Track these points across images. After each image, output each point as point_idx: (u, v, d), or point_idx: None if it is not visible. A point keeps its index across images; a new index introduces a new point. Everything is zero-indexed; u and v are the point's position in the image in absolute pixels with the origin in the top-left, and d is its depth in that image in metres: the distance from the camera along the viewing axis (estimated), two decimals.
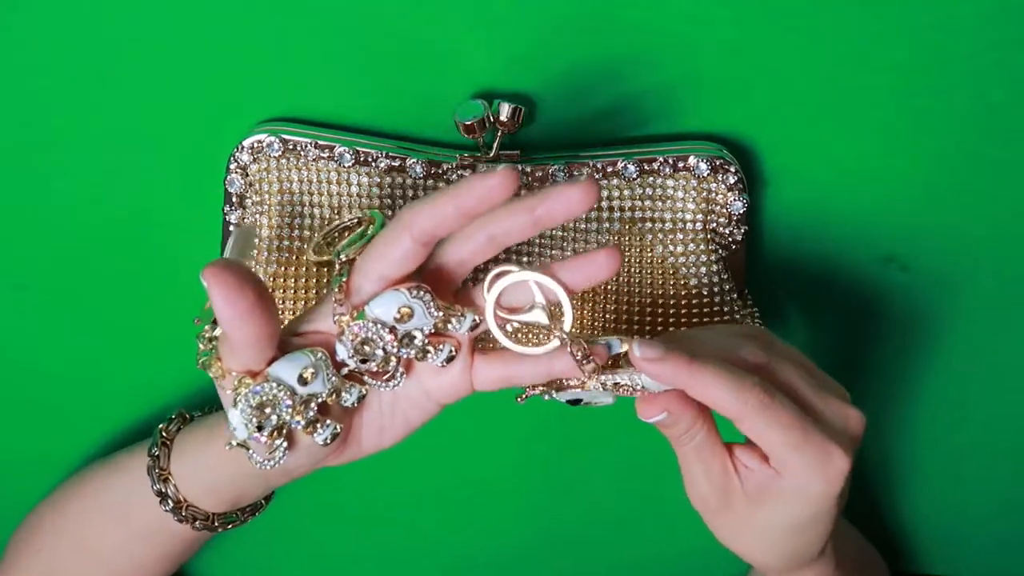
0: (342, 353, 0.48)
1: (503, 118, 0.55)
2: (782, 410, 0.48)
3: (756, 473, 0.51)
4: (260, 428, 0.47)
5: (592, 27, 0.56)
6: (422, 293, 0.47)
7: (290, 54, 0.56)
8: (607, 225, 0.59)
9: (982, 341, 0.68)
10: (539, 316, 0.49)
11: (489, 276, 0.49)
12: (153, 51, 0.56)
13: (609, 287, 0.59)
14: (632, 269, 0.59)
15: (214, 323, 0.49)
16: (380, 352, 0.48)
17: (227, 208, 0.58)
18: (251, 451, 0.49)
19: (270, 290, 0.56)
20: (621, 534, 0.75)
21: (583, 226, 0.58)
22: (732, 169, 0.58)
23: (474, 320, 0.49)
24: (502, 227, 0.47)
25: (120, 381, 0.66)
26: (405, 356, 0.49)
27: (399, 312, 0.47)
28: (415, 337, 0.48)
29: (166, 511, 0.57)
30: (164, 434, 0.58)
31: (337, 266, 0.48)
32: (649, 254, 0.59)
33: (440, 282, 0.49)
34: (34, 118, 0.57)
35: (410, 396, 0.51)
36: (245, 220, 0.58)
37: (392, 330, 0.48)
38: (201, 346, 0.49)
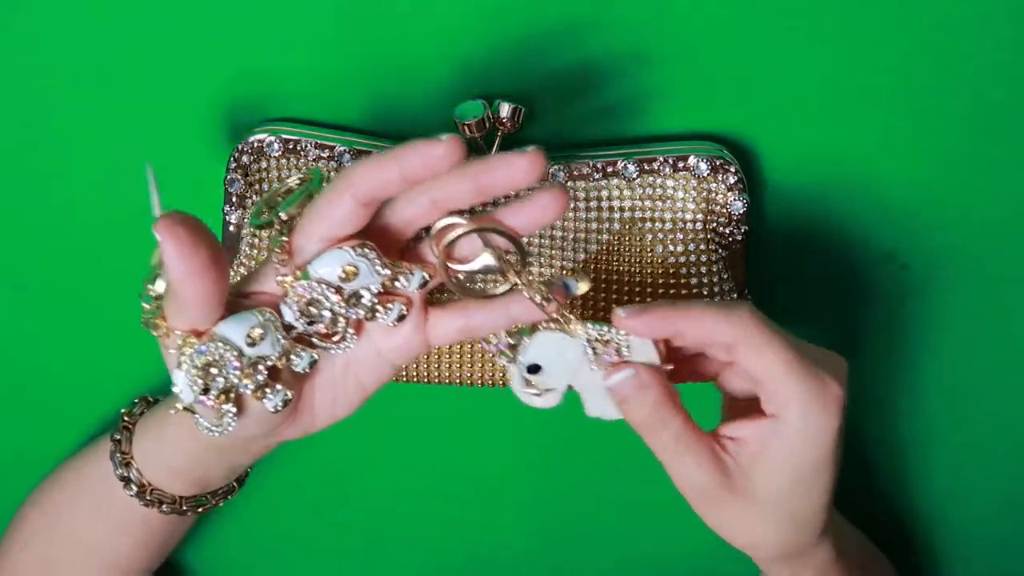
0: (288, 315, 0.46)
1: (503, 118, 0.55)
2: (776, 332, 0.48)
3: (749, 440, 0.50)
4: (206, 391, 0.45)
5: (592, 27, 0.56)
6: (367, 251, 0.46)
7: (290, 54, 0.56)
8: (607, 225, 0.59)
9: (982, 340, 0.68)
10: (487, 261, 0.47)
11: (434, 229, 0.47)
12: (153, 51, 0.56)
13: (610, 287, 0.59)
14: (632, 269, 0.59)
15: (156, 279, 0.47)
16: (327, 313, 0.47)
17: (227, 208, 0.58)
18: (199, 416, 0.47)
19: None
20: (623, 533, 0.74)
21: (583, 226, 0.58)
22: (732, 169, 0.58)
23: (423, 277, 0.48)
24: (444, 192, 0.46)
25: (120, 381, 0.66)
26: (354, 317, 0.47)
27: (343, 271, 0.46)
28: (363, 296, 0.47)
29: (131, 496, 0.56)
30: (126, 419, 0.58)
31: (276, 225, 0.47)
32: (649, 254, 0.59)
33: (385, 241, 0.47)
34: (34, 118, 0.57)
35: (362, 359, 0.50)
36: (246, 220, 0.58)
37: (338, 290, 0.46)
38: (145, 305, 0.47)
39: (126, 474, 0.56)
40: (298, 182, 0.51)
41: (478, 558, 0.75)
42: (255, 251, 0.58)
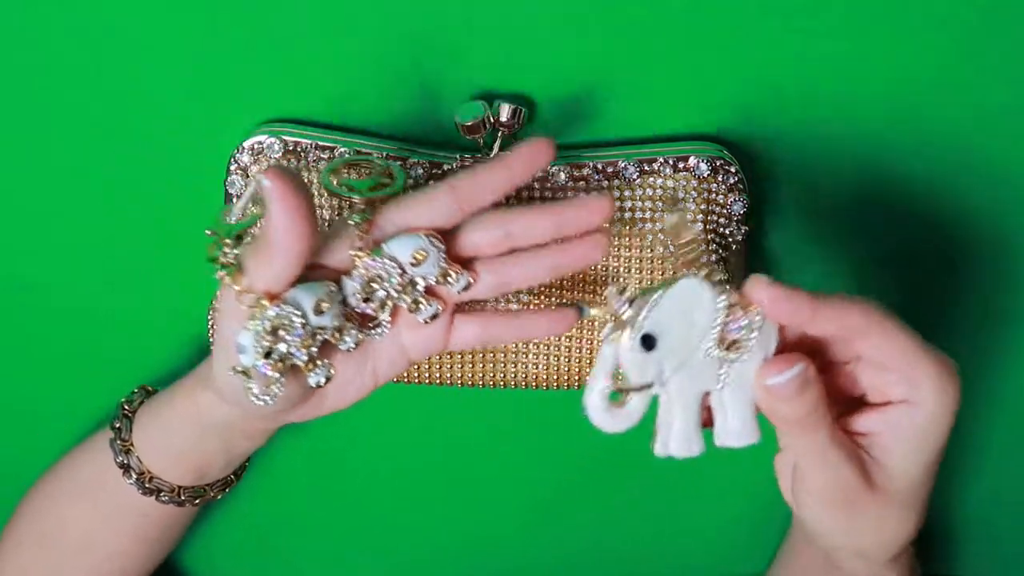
0: (349, 289, 0.49)
1: (503, 119, 0.55)
2: (898, 320, 0.47)
3: (879, 434, 0.48)
4: (268, 355, 0.46)
5: (592, 27, 0.56)
6: (437, 242, 0.49)
7: (291, 55, 0.56)
8: (607, 226, 0.58)
9: (982, 341, 0.68)
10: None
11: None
12: (154, 52, 0.56)
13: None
14: (632, 270, 0.59)
15: (238, 238, 0.48)
16: (382, 293, 0.49)
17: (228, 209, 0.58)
18: (250, 382, 0.47)
19: None
20: (623, 534, 0.74)
21: None
22: (732, 169, 0.58)
23: (468, 281, 0.50)
24: (522, 226, 0.49)
25: (121, 381, 0.65)
26: (400, 304, 0.49)
27: (415, 255, 0.48)
28: (416, 285, 0.49)
29: (130, 483, 0.56)
30: (126, 407, 0.58)
31: (359, 204, 0.49)
32: (649, 254, 0.59)
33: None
34: (35, 119, 0.57)
35: (384, 349, 0.51)
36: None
37: (402, 272, 0.49)
38: (222, 259, 0.47)
39: (126, 461, 0.57)
40: (355, 157, 0.54)
41: (478, 558, 0.74)
42: None
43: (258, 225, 0.49)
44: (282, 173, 0.44)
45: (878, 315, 0.47)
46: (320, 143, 0.57)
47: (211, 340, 0.60)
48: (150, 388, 0.60)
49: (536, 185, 0.58)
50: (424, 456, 0.70)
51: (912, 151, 0.61)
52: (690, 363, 0.41)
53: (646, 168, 0.58)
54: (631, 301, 0.41)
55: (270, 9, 0.55)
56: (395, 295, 0.49)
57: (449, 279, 0.49)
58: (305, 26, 0.55)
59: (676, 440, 0.43)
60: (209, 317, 0.59)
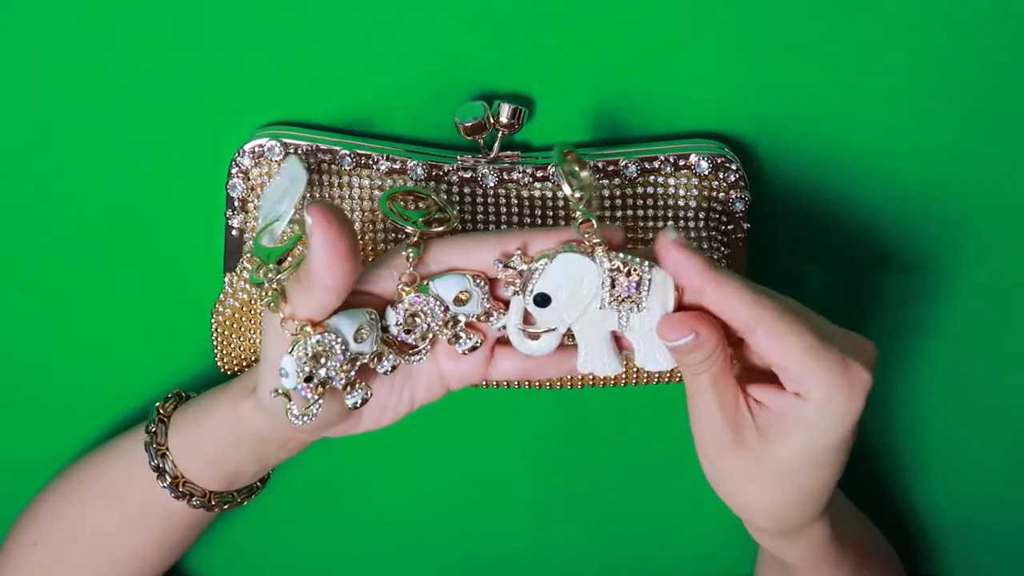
0: (391, 319, 0.50)
1: (503, 119, 0.55)
2: (799, 318, 0.47)
3: (770, 408, 0.49)
4: (309, 379, 0.48)
5: (592, 27, 0.56)
6: (482, 283, 0.50)
7: (291, 58, 0.56)
8: (608, 224, 0.58)
9: (982, 341, 0.68)
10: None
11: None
12: (155, 54, 0.56)
13: None
14: None
15: (280, 263, 0.49)
16: (425, 326, 0.50)
17: (229, 212, 0.58)
18: (291, 403, 0.49)
19: None
20: (623, 535, 0.74)
21: None
22: (733, 167, 0.58)
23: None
24: None
25: (121, 382, 0.66)
26: (441, 336, 0.51)
27: (459, 296, 0.50)
28: (458, 322, 0.51)
29: (163, 487, 0.57)
30: (161, 411, 0.59)
31: (412, 237, 0.50)
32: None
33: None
34: (35, 121, 0.57)
35: (423, 376, 0.53)
36: (248, 224, 0.58)
37: (445, 309, 0.50)
38: (267, 286, 0.48)
39: (162, 465, 0.57)
40: (411, 193, 0.54)
41: (478, 558, 0.74)
42: None
43: (299, 249, 0.51)
44: (325, 210, 0.45)
45: (772, 315, 0.47)
46: (321, 145, 0.57)
47: (214, 344, 0.60)
48: (183, 393, 0.61)
49: (536, 185, 0.58)
50: (424, 456, 0.70)
51: (912, 150, 0.61)
52: (589, 312, 0.50)
53: (647, 167, 0.58)
54: (524, 269, 0.49)
55: (270, 12, 0.55)
56: (436, 328, 0.50)
57: (491, 319, 0.51)
58: (305, 28, 0.56)
59: (591, 363, 0.51)
60: (211, 319, 0.60)
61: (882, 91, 0.59)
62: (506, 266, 0.49)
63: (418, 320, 0.50)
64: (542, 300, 0.49)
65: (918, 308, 0.66)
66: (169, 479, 0.57)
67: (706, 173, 0.58)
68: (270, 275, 0.49)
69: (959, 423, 0.71)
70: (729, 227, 0.59)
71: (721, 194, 0.58)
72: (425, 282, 0.50)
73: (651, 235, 0.58)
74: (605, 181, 0.58)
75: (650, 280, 0.49)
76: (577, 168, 0.50)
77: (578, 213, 0.49)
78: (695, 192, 0.58)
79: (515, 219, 0.58)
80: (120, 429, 0.66)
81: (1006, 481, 0.73)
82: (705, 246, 0.58)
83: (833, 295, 0.66)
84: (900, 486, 0.74)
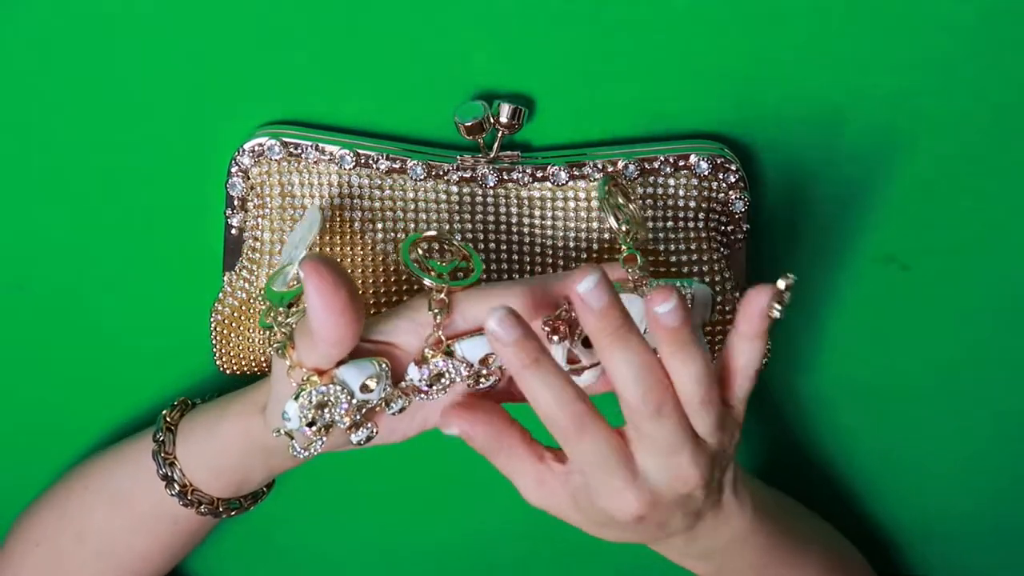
0: (414, 375, 0.50)
1: (503, 119, 0.55)
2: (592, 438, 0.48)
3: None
4: (311, 424, 0.48)
5: (592, 27, 0.56)
6: None
7: (291, 57, 0.56)
8: (608, 224, 0.58)
9: (982, 341, 0.68)
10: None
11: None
12: (154, 53, 0.56)
13: None
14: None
15: (289, 307, 0.49)
16: (448, 382, 0.50)
17: (229, 211, 0.58)
18: (293, 441, 0.50)
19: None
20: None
21: (584, 226, 0.58)
22: (733, 167, 0.58)
23: None
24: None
25: (121, 382, 0.66)
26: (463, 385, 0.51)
27: (485, 359, 0.50)
28: (481, 374, 0.51)
29: (171, 495, 0.57)
30: (168, 420, 0.59)
31: (440, 297, 0.49)
32: (650, 253, 0.59)
33: None
34: (34, 120, 0.57)
35: (438, 403, 0.52)
36: (247, 223, 0.58)
37: (469, 367, 0.50)
38: (277, 332, 0.49)
39: (170, 474, 0.57)
40: (433, 237, 0.53)
41: (479, 559, 0.74)
42: (257, 255, 0.58)
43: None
44: (318, 264, 0.45)
45: (564, 428, 0.47)
46: (320, 144, 0.57)
47: (213, 343, 0.60)
48: (189, 401, 0.60)
49: (536, 185, 0.58)
50: (424, 456, 0.70)
51: (913, 149, 0.61)
52: None
53: (647, 167, 0.58)
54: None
55: (270, 10, 0.55)
56: (459, 382, 0.51)
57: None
58: (305, 27, 0.55)
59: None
60: (211, 318, 0.60)
61: (882, 91, 0.59)
62: (555, 330, 0.49)
63: (443, 380, 0.50)
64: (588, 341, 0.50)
65: (917, 309, 0.66)
66: (177, 487, 0.57)
67: (706, 174, 0.58)
68: (279, 318, 0.49)
69: (959, 423, 0.71)
70: (729, 228, 0.59)
71: (721, 195, 0.58)
72: (451, 344, 0.50)
73: (650, 235, 0.58)
74: None
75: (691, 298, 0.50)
76: (623, 201, 0.50)
77: (623, 247, 0.49)
78: (695, 193, 0.58)
79: (515, 219, 0.58)
80: (120, 428, 0.66)
81: (1003, 480, 0.73)
82: (705, 247, 0.58)
83: (832, 296, 0.66)
84: (890, 485, 0.74)
